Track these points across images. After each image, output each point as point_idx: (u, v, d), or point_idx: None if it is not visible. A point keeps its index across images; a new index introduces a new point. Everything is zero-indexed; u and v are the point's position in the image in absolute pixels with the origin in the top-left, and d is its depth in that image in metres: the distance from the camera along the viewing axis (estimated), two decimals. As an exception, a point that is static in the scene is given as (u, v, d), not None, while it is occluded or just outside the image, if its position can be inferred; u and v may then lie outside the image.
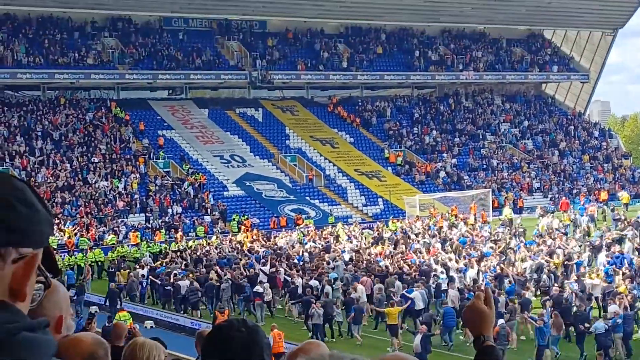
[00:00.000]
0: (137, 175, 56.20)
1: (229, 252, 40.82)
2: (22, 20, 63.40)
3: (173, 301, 33.43)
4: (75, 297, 31.35)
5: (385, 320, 27.43)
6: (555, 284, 29.31)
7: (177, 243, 45.21)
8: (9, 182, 1.55)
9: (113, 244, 45.30)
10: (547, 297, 27.73)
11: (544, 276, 30.81)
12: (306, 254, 38.90)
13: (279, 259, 37.26)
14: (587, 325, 24.10)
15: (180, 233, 48.03)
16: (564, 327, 25.39)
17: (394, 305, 27.60)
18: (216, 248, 41.83)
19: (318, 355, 1.25)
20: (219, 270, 34.43)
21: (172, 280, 33.95)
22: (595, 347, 23.72)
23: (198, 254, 40.52)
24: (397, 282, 30.52)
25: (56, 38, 63.41)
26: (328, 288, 30.09)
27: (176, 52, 66.76)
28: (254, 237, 45.65)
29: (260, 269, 34.36)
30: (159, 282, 34.83)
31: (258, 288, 31.42)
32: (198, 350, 7.66)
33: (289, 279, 32.84)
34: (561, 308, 25.94)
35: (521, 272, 31.67)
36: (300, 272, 33.68)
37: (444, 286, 30.53)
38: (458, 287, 29.92)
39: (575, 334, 25.09)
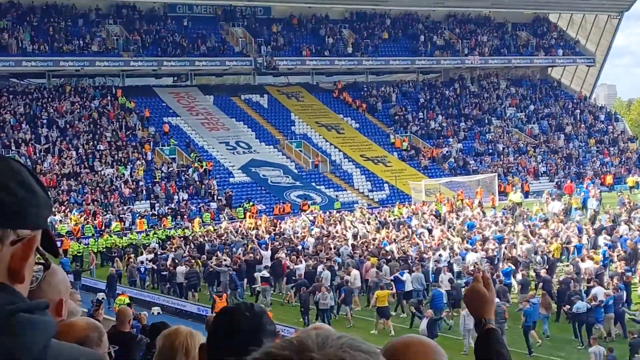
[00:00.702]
0: (143, 163, 56.27)
1: (234, 238, 40.93)
2: (26, 8, 63.34)
3: (168, 285, 33.84)
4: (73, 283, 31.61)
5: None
6: (545, 267, 29.77)
7: (192, 230, 45.46)
8: (6, 164, 1.55)
9: (118, 231, 45.49)
10: (538, 279, 28.58)
11: (538, 258, 31.25)
12: (311, 239, 38.96)
13: (282, 244, 37.48)
14: (567, 306, 24.60)
15: (198, 219, 48.49)
16: (552, 306, 26.16)
17: (383, 288, 28.01)
18: (219, 235, 42.00)
19: (305, 332, 1.26)
20: (219, 255, 34.60)
21: (168, 265, 34.39)
22: (576, 325, 24.46)
23: (202, 240, 40.80)
24: (385, 266, 30.87)
25: (60, 25, 63.36)
26: (326, 273, 30.24)
27: (181, 38, 66.65)
28: (259, 222, 45.87)
29: (263, 254, 34.64)
30: (156, 267, 35.37)
31: (264, 273, 31.58)
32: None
33: (289, 263, 32.93)
34: (558, 290, 26.81)
35: (523, 254, 31.97)
36: (302, 257, 33.73)
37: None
38: (456, 271, 30.39)
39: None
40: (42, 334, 1.49)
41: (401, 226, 40.93)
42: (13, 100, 59.68)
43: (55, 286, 2.74)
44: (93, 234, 44.55)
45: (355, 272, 30.08)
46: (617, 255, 29.96)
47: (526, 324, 23.93)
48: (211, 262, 33.05)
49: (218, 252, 35.81)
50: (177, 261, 34.48)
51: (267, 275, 31.48)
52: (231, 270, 32.35)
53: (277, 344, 1.25)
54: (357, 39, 73.91)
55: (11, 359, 1.41)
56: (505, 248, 32.72)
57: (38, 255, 1.62)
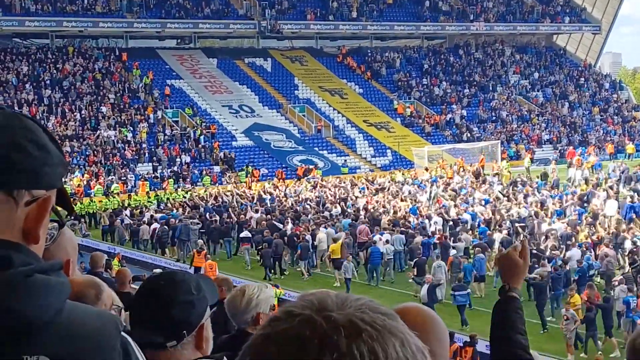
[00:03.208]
0: (146, 125, 56.18)
1: (222, 200, 41.41)
2: (29, -32, 62.86)
3: (135, 240, 35.68)
4: None
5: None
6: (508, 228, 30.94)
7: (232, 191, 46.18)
8: (20, 122, 1.52)
9: (119, 192, 45.72)
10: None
11: (508, 223, 31.95)
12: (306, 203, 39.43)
13: (269, 206, 38.63)
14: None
15: (234, 175, 49.71)
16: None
17: (336, 241, 29.10)
18: (215, 198, 42.53)
19: (324, 292, 1.28)
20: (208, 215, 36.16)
21: (145, 222, 36.34)
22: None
23: (196, 201, 41.53)
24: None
25: (64, -14, 62.93)
26: (308, 237, 30.89)
27: (185, 0, 66.22)
28: (267, 185, 46.39)
29: (252, 216, 35.31)
30: (133, 223, 37.15)
31: (247, 233, 32.32)
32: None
33: (279, 225, 33.34)
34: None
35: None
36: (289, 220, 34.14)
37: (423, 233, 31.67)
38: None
39: None
40: (58, 295, 1.48)
41: (389, 190, 41.83)
42: (16, 60, 59.43)
43: (63, 246, 2.75)
44: (118, 193, 45.04)
45: (321, 236, 30.61)
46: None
47: (466, 280, 25.41)
48: (185, 222, 34.24)
49: (208, 213, 36.72)
50: (153, 218, 36.53)
51: (249, 235, 32.19)
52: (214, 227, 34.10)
53: (297, 303, 1.26)
54: (361, 3, 73.45)
55: (27, 321, 1.41)
56: (482, 213, 33.76)
57: (53, 213, 1.61)
